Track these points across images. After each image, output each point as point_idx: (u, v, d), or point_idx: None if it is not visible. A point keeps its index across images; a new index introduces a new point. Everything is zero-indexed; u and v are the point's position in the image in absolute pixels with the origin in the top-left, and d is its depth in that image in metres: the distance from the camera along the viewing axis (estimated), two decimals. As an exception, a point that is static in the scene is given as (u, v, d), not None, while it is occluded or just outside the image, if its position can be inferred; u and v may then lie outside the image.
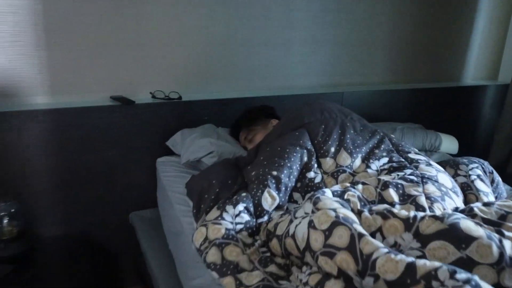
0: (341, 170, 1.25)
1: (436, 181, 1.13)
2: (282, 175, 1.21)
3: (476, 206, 0.96)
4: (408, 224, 0.88)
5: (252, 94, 1.87)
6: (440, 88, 2.33)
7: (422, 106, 2.30)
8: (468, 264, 0.76)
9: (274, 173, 1.21)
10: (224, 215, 1.10)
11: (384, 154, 1.31)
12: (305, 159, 1.28)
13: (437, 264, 0.71)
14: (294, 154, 1.27)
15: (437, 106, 2.36)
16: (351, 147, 1.31)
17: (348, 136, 1.34)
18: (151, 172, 1.70)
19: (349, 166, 1.26)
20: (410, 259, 0.75)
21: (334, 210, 0.92)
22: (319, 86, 2.08)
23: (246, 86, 1.91)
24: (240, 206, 1.12)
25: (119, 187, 1.70)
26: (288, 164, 1.24)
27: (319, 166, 1.28)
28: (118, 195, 1.71)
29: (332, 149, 1.30)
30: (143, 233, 1.60)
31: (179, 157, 1.60)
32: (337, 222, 0.87)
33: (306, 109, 1.46)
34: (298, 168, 1.26)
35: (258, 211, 1.15)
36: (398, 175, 1.16)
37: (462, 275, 0.68)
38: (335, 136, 1.33)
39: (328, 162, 1.28)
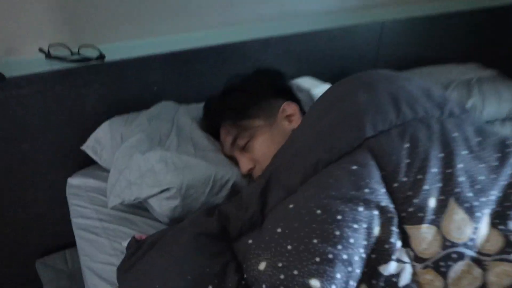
0: (453, 255, 0.57)
1: None
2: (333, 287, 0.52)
3: None
4: None
5: (232, 36, 1.05)
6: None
7: (482, 32, 1.54)
8: None
9: (315, 283, 0.52)
10: None
11: (536, 204, 0.61)
12: (376, 231, 0.57)
13: None
14: (355, 225, 0.56)
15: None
16: (471, 194, 0.59)
17: (461, 165, 0.61)
18: (60, 194, 0.96)
19: (469, 242, 0.57)
20: None
21: None
22: (343, 11, 1.23)
23: (219, 20, 1.06)
24: None
25: (13, 223, 0.98)
26: (344, 256, 0.54)
27: (406, 243, 0.58)
28: (11, 235, 0.99)
29: (432, 202, 0.59)
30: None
31: (107, 174, 0.84)
32: None
33: (364, 98, 0.68)
34: (364, 255, 0.56)
35: None
36: None
37: None
38: (434, 169, 0.61)
39: (426, 235, 0.57)
